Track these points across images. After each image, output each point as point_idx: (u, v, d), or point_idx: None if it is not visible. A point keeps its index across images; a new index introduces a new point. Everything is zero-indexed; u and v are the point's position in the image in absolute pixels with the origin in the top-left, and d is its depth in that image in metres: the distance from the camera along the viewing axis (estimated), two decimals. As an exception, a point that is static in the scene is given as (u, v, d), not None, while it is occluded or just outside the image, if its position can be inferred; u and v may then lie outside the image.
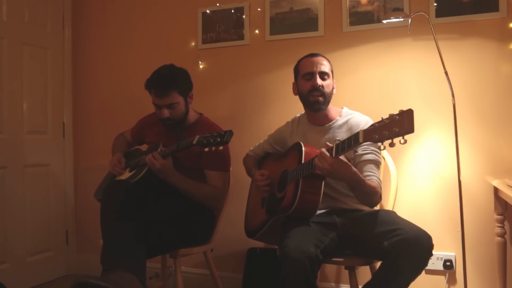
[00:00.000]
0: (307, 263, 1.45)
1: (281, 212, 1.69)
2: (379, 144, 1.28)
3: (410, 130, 1.19)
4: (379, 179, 1.72)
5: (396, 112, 1.26)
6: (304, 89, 1.83)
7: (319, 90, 1.79)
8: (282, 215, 1.69)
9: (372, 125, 1.31)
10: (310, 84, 1.81)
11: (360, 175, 1.57)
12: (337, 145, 1.46)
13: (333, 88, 1.86)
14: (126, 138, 2.35)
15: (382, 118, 1.28)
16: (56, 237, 2.84)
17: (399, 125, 1.21)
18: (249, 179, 2.12)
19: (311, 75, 1.82)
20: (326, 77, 1.82)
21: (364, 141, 1.33)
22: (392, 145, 1.23)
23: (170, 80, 1.97)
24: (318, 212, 1.71)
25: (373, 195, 1.64)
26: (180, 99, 2.00)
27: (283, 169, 1.82)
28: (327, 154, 1.47)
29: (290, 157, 1.80)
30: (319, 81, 1.80)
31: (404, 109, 1.23)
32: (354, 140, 1.38)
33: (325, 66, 1.83)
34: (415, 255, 1.44)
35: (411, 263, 1.45)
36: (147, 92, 2.04)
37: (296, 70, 1.92)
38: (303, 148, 1.71)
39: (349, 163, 1.52)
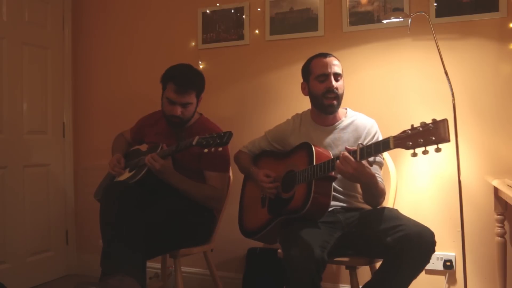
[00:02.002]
0: (313, 266, 1.45)
1: (290, 213, 1.67)
2: (411, 150, 1.29)
3: (446, 139, 1.23)
4: (382, 180, 1.73)
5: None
6: (318, 91, 1.82)
7: (334, 92, 1.79)
8: (291, 216, 1.67)
9: (404, 132, 1.33)
10: (324, 86, 1.80)
11: (376, 178, 1.59)
12: (361, 149, 1.45)
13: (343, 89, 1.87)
14: (126, 138, 2.35)
15: (412, 125, 1.31)
16: (56, 237, 2.84)
17: (435, 134, 1.24)
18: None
19: (325, 77, 1.80)
20: (339, 78, 1.82)
21: (395, 147, 1.35)
22: (425, 152, 1.27)
23: (192, 80, 2.00)
24: None
25: (380, 197, 1.67)
26: (194, 101, 2.02)
27: (288, 169, 1.80)
28: (351, 158, 1.47)
29: (297, 157, 1.78)
30: (334, 83, 1.79)
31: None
32: (383, 146, 1.39)
33: (338, 67, 1.82)
34: (417, 250, 1.44)
35: (413, 259, 1.45)
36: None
37: (307, 71, 1.89)
38: (313, 149, 1.69)
39: (369, 167, 1.53)
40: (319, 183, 1.61)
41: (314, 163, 1.64)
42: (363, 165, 1.49)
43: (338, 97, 1.80)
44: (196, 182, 1.99)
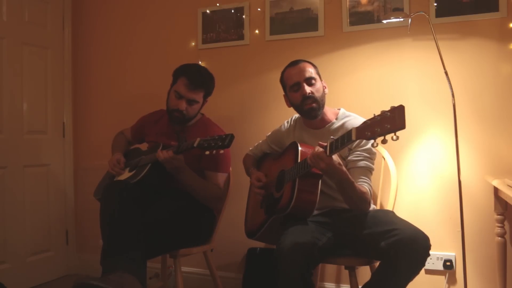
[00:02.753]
0: (301, 259, 1.47)
1: (279, 212, 1.69)
2: (372, 141, 1.27)
3: (402, 126, 1.18)
4: (371, 186, 1.71)
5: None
6: (296, 101, 1.82)
7: (310, 97, 1.77)
8: (280, 215, 1.69)
9: (364, 122, 1.31)
10: (300, 95, 1.79)
11: (350, 176, 1.57)
12: (331, 144, 1.46)
13: (324, 89, 1.85)
14: (126, 137, 2.35)
15: (374, 115, 1.28)
16: (56, 237, 2.84)
17: (390, 121, 1.21)
18: (249, 179, 2.11)
19: (298, 86, 1.80)
20: (313, 81, 1.80)
21: (357, 138, 1.33)
22: (384, 141, 1.23)
23: (205, 79, 2.04)
24: (316, 212, 1.72)
25: (361, 201, 1.63)
26: (201, 101, 2.06)
27: (280, 169, 1.82)
28: (321, 151, 1.48)
29: (287, 156, 1.80)
30: (307, 89, 1.78)
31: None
32: (347, 138, 1.38)
33: (309, 72, 1.80)
34: (411, 255, 1.43)
35: (408, 264, 1.45)
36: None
37: (283, 83, 1.90)
38: (299, 148, 1.71)
39: (341, 163, 1.53)
40: (303, 181, 1.62)
41: (299, 161, 1.65)
42: (333, 159, 1.48)
43: (317, 100, 1.78)
44: (204, 180, 2.00)
